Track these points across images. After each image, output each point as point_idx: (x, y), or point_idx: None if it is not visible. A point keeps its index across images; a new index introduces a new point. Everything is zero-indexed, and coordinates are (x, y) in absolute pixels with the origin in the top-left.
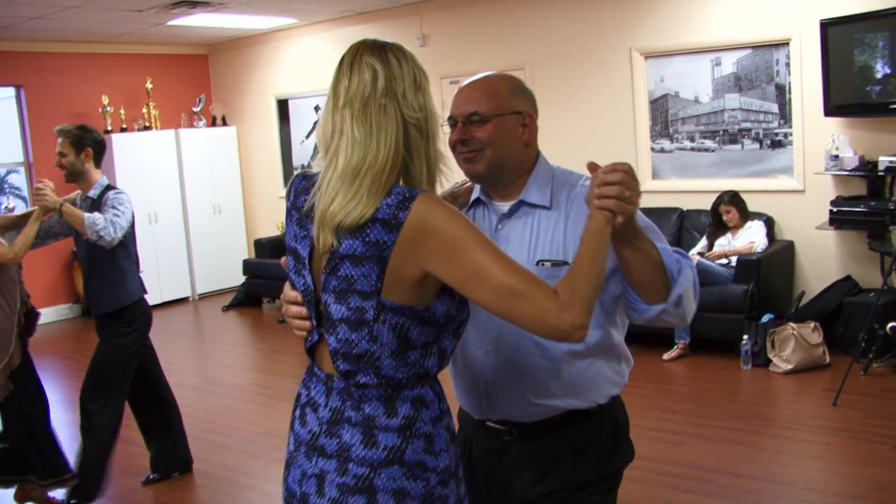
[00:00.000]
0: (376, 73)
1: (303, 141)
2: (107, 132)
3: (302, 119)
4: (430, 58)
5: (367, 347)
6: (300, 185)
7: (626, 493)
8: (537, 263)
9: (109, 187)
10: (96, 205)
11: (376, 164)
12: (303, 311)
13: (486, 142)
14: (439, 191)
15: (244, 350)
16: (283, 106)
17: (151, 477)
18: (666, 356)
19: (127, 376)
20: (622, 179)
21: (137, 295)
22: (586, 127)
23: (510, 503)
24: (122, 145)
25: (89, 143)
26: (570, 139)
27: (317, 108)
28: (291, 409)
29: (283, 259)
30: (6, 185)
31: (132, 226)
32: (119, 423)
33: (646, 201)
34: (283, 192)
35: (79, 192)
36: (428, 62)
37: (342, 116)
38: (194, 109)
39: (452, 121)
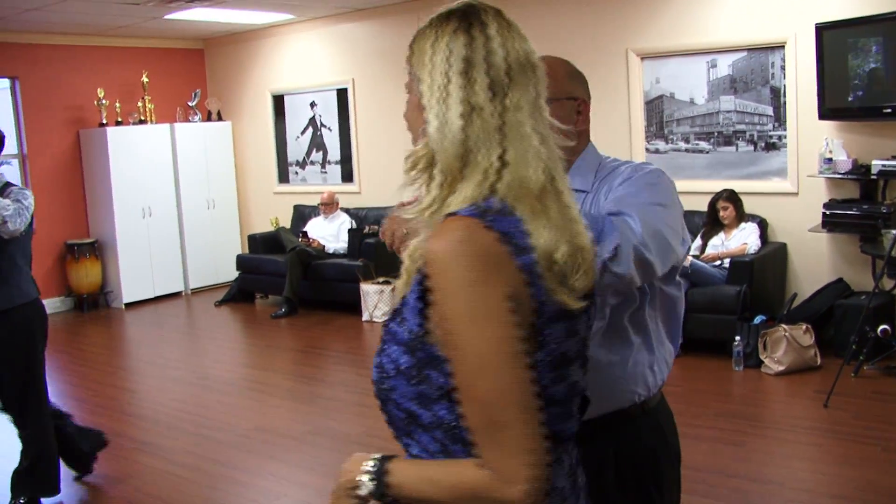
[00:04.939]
0: None
1: (298, 137)
2: (102, 125)
3: (297, 115)
4: None
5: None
6: None
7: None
8: None
9: (9, 184)
10: None
11: None
12: None
13: None
14: None
15: (237, 345)
16: (278, 102)
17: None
18: None
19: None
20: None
21: (34, 294)
22: None
23: None
24: (117, 139)
25: None
26: None
27: (313, 105)
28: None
29: None
30: None
31: (30, 224)
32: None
33: None
34: (278, 188)
35: None
36: None
37: None
38: (190, 104)
39: None
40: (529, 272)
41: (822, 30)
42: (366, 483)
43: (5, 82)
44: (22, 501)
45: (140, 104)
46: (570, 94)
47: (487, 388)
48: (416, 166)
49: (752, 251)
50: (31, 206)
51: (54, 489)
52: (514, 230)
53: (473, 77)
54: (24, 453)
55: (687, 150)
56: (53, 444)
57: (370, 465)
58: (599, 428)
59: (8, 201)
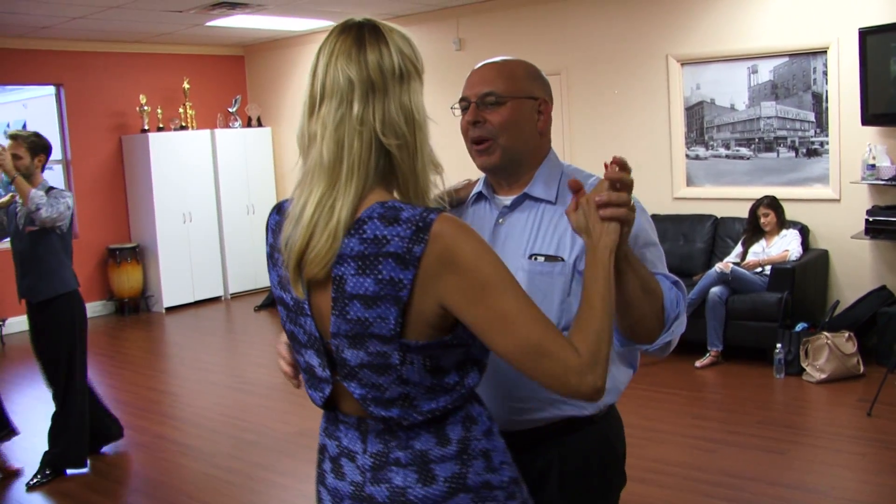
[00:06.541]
0: None
1: None
2: (144, 131)
3: None
4: (466, 62)
5: (399, 391)
6: None
7: (660, 500)
8: (530, 257)
9: (52, 188)
10: None
11: None
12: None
13: (500, 127)
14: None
15: None
16: None
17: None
18: (698, 363)
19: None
20: (631, 181)
21: (74, 286)
22: (621, 133)
23: None
24: (159, 144)
25: (42, 150)
26: (605, 145)
27: None
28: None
29: None
30: None
31: (71, 223)
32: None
33: (680, 208)
34: None
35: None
36: (464, 66)
37: None
38: (230, 110)
39: (465, 102)
40: (266, 258)
41: (866, 34)
42: None
43: (50, 89)
44: (47, 473)
45: (181, 110)
46: (528, 94)
47: None
48: None
49: (793, 258)
50: (66, 202)
51: (80, 462)
52: (274, 224)
53: (306, 91)
54: (52, 430)
55: (727, 157)
56: (85, 423)
57: None
58: (545, 436)
59: (42, 192)
